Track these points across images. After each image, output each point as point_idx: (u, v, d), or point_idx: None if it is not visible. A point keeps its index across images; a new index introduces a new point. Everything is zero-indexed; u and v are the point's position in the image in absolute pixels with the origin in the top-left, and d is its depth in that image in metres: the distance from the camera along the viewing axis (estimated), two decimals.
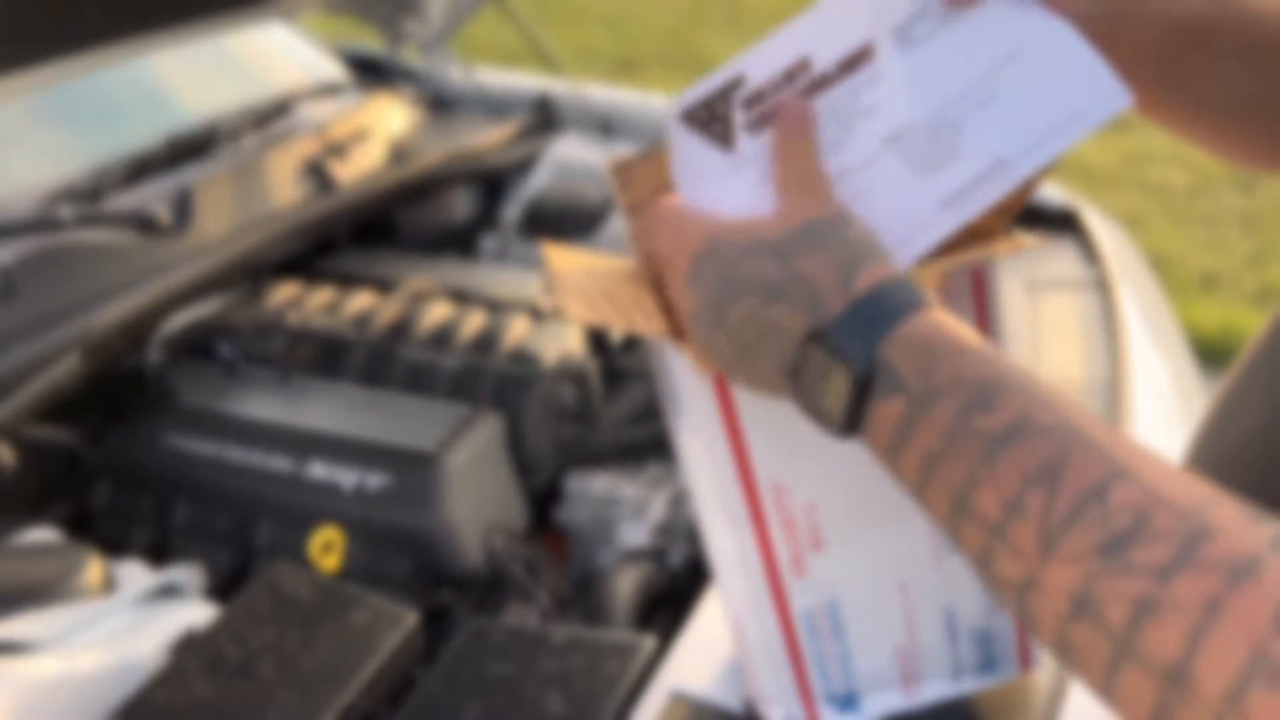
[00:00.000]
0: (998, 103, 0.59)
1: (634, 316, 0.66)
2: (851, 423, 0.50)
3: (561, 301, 0.65)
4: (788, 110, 0.57)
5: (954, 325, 0.49)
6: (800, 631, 0.76)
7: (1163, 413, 1.30)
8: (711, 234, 0.55)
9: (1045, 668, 0.85)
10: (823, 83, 0.59)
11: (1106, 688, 0.40)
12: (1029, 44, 0.59)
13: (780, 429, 0.69)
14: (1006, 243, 0.68)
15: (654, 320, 0.67)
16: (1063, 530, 0.41)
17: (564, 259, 0.74)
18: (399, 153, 1.86)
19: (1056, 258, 1.57)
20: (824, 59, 0.59)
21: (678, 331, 0.70)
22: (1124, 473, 0.41)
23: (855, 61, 0.59)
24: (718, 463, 0.70)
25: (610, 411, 1.44)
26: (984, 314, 0.71)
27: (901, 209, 0.59)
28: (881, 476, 0.72)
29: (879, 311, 0.49)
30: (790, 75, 0.59)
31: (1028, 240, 0.68)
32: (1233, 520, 0.39)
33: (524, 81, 2.27)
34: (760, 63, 0.58)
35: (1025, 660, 0.83)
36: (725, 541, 0.75)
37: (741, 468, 0.70)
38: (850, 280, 0.51)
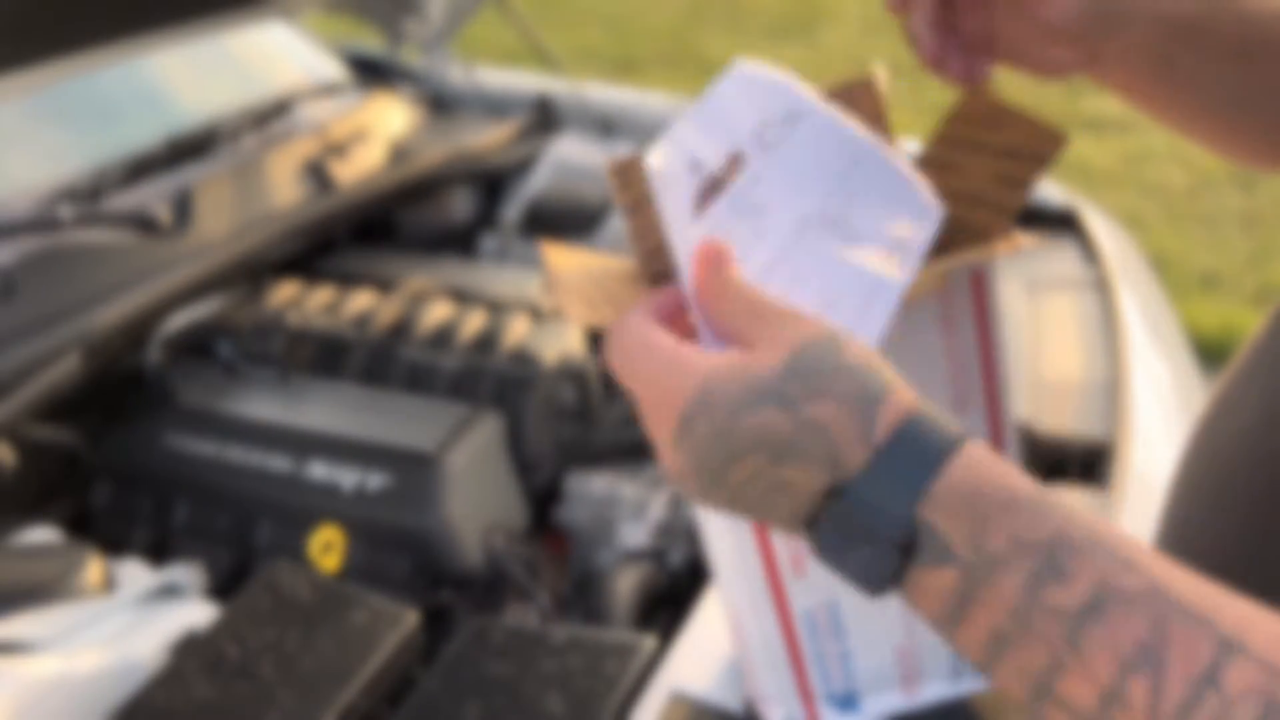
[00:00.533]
0: (862, 199, 0.59)
1: None
2: (886, 585, 0.43)
3: (561, 302, 0.65)
4: (703, 253, 0.51)
5: (995, 465, 0.43)
6: (800, 632, 0.76)
7: (1163, 413, 1.30)
8: (700, 383, 0.46)
9: None
10: (718, 183, 0.58)
11: None
12: (857, 156, 0.60)
13: None
14: (1005, 243, 0.68)
15: None
16: None
17: (563, 258, 0.74)
18: (399, 153, 1.86)
19: (1056, 258, 1.57)
20: (711, 160, 0.58)
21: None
22: (1232, 645, 0.37)
23: (736, 163, 0.58)
24: None
25: (610, 411, 1.44)
26: (984, 314, 0.71)
27: (845, 281, 0.58)
28: None
29: (910, 462, 0.42)
30: (692, 169, 0.57)
31: (1026, 240, 0.68)
32: None
33: (524, 81, 2.27)
34: (668, 155, 0.57)
35: None
36: (725, 542, 0.75)
37: None
38: (870, 425, 0.43)
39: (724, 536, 0.75)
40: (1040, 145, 0.66)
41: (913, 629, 0.78)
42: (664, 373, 0.47)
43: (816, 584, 0.74)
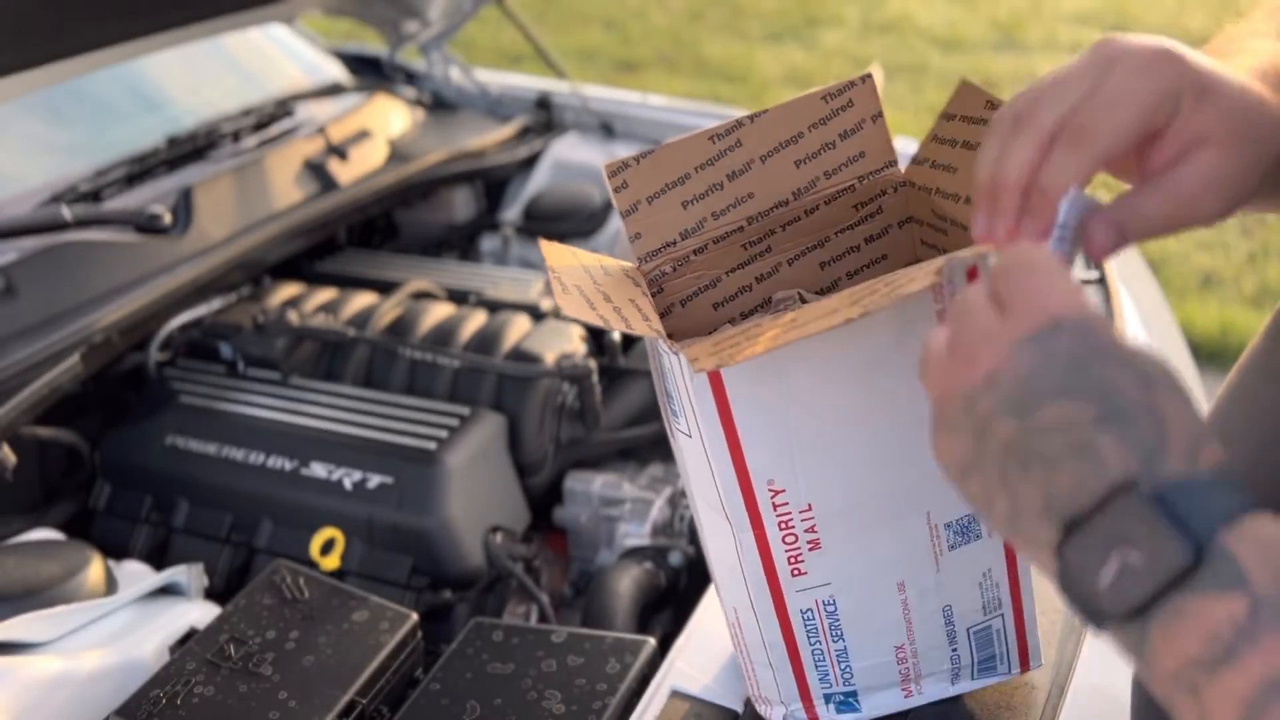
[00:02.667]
0: None
1: (630, 317, 0.66)
2: (1137, 611, 0.39)
3: (560, 300, 0.66)
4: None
5: None
6: (798, 631, 0.76)
7: None
8: (1082, 309, 0.44)
9: (1046, 668, 0.85)
10: None
11: None
12: None
13: (777, 430, 0.69)
14: None
15: (649, 321, 0.67)
16: None
17: (563, 256, 0.74)
18: (399, 153, 1.86)
19: None
20: None
21: (671, 333, 0.70)
22: None
23: None
24: (715, 464, 0.70)
25: (610, 411, 1.44)
26: None
27: None
28: (877, 477, 0.72)
29: (1224, 495, 0.39)
30: None
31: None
32: None
33: (524, 82, 2.27)
34: None
35: (1025, 661, 0.83)
36: (723, 542, 0.75)
37: (738, 469, 0.70)
38: (1197, 448, 0.40)
39: (722, 537, 0.75)
40: None
41: (911, 628, 0.78)
42: (1052, 279, 0.46)
43: (814, 584, 0.75)
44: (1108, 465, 0.40)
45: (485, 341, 1.44)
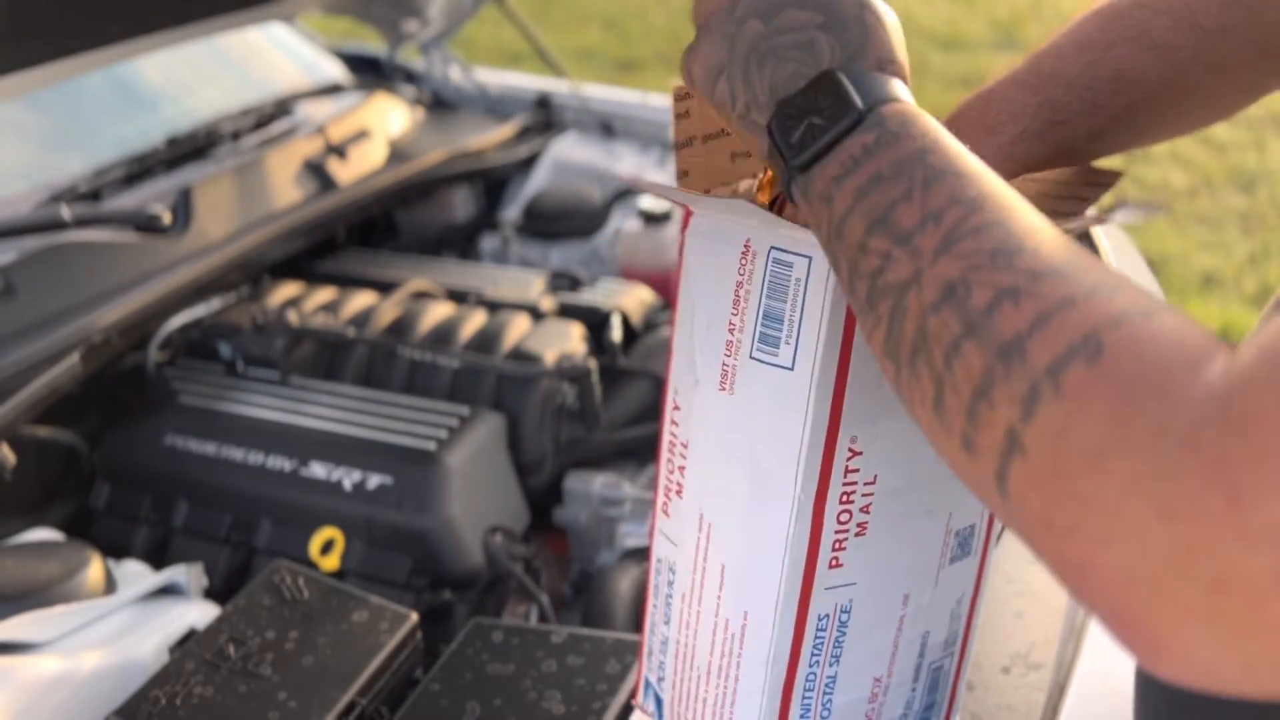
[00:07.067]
0: None
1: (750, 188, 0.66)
2: (814, 159, 0.52)
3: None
4: None
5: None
6: (806, 644, 0.70)
7: None
8: None
9: (1046, 667, 0.85)
10: None
11: (943, 370, 0.43)
12: None
13: (878, 380, 0.62)
14: None
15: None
16: (965, 237, 0.45)
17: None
18: (399, 153, 1.86)
19: None
20: None
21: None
22: (1043, 228, 0.45)
23: None
24: (814, 403, 0.62)
25: (610, 411, 1.44)
26: None
27: None
28: (932, 459, 0.63)
29: (891, 89, 0.52)
30: None
31: None
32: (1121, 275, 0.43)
33: (524, 81, 2.27)
34: None
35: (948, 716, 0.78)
36: (768, 518, 0.66)
37: (833, 415, 0.62)
38: (885, 60, 0.54)
39: (773, 504, 0.66)
40: (1090, 187, 0.66)
41: (894, 657, 0.72)
42: None
43: (843, 581, 0.68)
44: (820, 59, 0.52)
45: (485, 341, 1.44)
